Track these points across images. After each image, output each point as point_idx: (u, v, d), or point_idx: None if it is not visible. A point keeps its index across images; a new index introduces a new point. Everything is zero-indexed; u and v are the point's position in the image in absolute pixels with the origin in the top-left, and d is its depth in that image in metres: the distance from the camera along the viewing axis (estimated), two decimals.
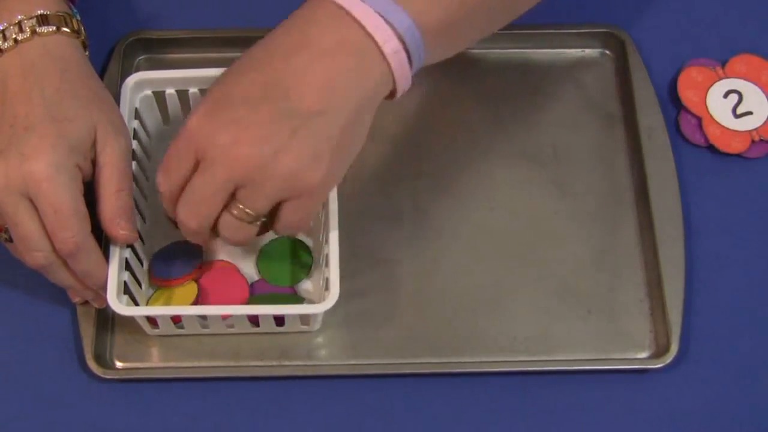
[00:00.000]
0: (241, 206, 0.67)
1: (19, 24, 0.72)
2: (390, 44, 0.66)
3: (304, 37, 0.66)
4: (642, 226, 0.81)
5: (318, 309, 0.73)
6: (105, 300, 0.74)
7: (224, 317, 0.75)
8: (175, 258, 0.78)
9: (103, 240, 0.76)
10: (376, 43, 0.65)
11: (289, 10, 0.88)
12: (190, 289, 0.77)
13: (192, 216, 0.68)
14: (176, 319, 0.76)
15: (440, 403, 0.76)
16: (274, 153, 0.64)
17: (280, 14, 0.88)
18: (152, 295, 0.78)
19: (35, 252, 0.70)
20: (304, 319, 0.76)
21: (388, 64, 0.66)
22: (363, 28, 0.65)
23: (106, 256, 0.73)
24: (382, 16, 0.65)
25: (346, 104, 0.65)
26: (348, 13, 0.65)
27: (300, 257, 0.79)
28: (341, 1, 0.66)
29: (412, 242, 0.81)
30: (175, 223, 0.71)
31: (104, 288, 0.72)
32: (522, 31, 0.87)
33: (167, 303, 0.77)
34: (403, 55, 0.66)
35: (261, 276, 0.79)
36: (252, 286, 0.78)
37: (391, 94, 0.69)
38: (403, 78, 0.68)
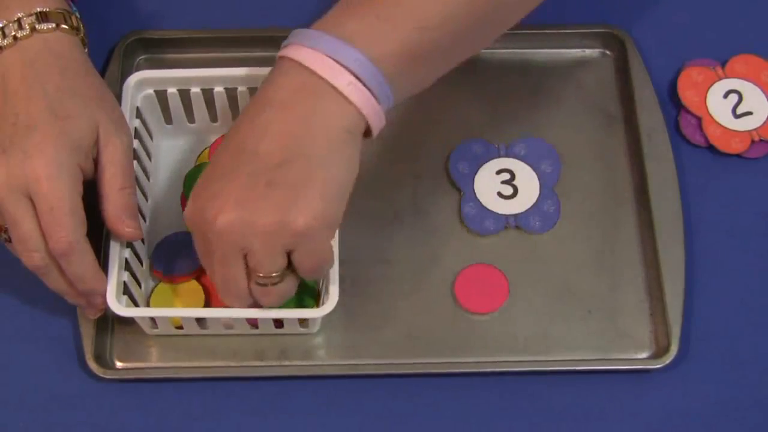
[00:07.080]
0: (257, 272, 0.67)
1: (19, 21, 0.71)
2: (340, 78, 0.66)
3: (264, 96, 0.67)
4: (642, 227, 0.81)
5: (316, 314, 0.73)
6: (97, 310, 0.74)
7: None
8: (179, 252, 0.78)
9: (102, 242, 0.76)
10: (326, 81, 0.66)
11: (289, 9, 0.89)
12: (197, 294, 0.77)
13: (229, 297, 0.69)
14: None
15: (440, 403, 0.76)
16: (254, 210, 0.65)
17: (280, 14, 0.89)
18: (153, 289, 0.77)
19: (33, 252, 0.70)
20: (303, 321, 0.76)
21: (346, 98, 0.66)
22: (314, 72, 0.66)
23: (106, 256, 0.73)
24: (330, 57, 0.66)
25: (313, 147, 0.66)
26: (300, 63, 0.66)
27: None
28: (293, 54, 0.66)
29: (412, 242, 0.81)
30: None
31: (97, 294, 0.72)
32: (522, 31, 0.87)
33: (171, 303, 0.77)
34: (361, 86, 0.66)
35: None
36: None
37: (368, 130, 0.68)
38: (372, 111, 0.67)
